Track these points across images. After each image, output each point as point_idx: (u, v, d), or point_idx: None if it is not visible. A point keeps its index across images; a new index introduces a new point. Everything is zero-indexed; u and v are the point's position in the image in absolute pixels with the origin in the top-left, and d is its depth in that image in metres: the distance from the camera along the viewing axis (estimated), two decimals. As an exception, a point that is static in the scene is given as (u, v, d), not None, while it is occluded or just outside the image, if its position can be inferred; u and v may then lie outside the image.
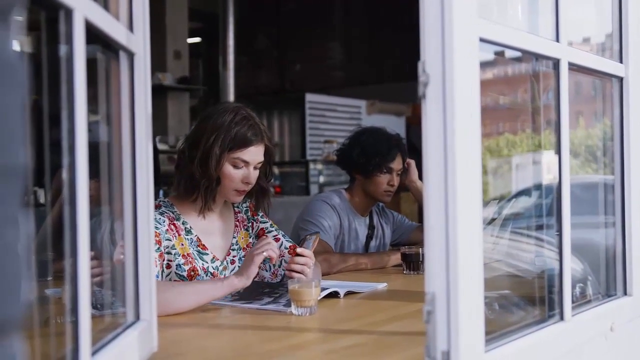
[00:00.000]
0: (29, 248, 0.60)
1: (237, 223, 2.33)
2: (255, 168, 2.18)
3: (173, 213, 2.17)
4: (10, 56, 0.58)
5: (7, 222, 0.56)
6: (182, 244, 2.14)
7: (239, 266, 2.24)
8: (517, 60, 1.68)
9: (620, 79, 1.77)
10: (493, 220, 2.21)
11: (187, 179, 2.16)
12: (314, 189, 7.18)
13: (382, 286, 2.29)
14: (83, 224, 0.99)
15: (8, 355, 0.57)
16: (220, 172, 2.14)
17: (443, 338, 1.14)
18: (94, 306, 1.19)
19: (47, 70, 1.02)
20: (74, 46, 0.98)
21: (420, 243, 2.87)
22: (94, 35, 1.08)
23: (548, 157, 1.81)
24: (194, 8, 8.02)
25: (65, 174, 0.98)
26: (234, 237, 2.30)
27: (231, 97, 8.69)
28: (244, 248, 2.30)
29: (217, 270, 2.20)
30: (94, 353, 1.07)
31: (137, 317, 1.34)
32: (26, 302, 0.59)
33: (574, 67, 1.54)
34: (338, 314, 1.92)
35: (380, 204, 3.13)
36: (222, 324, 1.77)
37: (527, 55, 1.56)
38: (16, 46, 0.60)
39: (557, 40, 1.48)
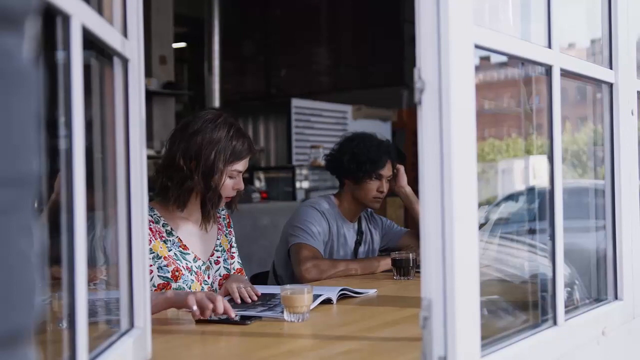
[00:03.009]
0: (40, 257, 0.60)
1: (220, 227, 2.40)
2: (243, 175, 2.28)
3: (152, 216, 2.19)
4: (25, 64, 0.58)
5: (22, 231, 0.56)
6: (162, 247, 2.17)
7: (224, 267, 2.33)
8: (502, 65, 1.69)
9: (610, 85, 1.79)
10: (482, 225, 2.23)
11: (186, 192, 2.19)
12: (300, 194, 7.17)
13: (372, 292, 2.29)
14: (80, 233, 0.99)
15: None
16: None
17: (440, 343, 1.14)
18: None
19: (42, 76, 1.01)
20: (72, 52, 0.97)
21: (409, 248, 2.87)
22: (88, 40, 1.08)
23: (535, 162, 1.83)
24: (179, 13, 8.00)
25: (63, 181, 0.97)
26: (218, 239, 2.36)
27: (217, 103, 8.66)
28: (227, 250, 2.38)
29: (200, 269, 2.25)
30: (89, 361, 1.06)
31: (132, 325, 1.34)
32: (39, 311, 0.59)
33: (565, 73, 1.55)
34: (331, 320, 1.92)
35: (369, 209, 3.13)
36: (216, 331, 1.76)
37: (514, 61, 1.57)
38: (30, 53, 0.59)
39: (549, 46, 1.49)
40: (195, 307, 1.76)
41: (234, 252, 2.44)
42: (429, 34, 1.15)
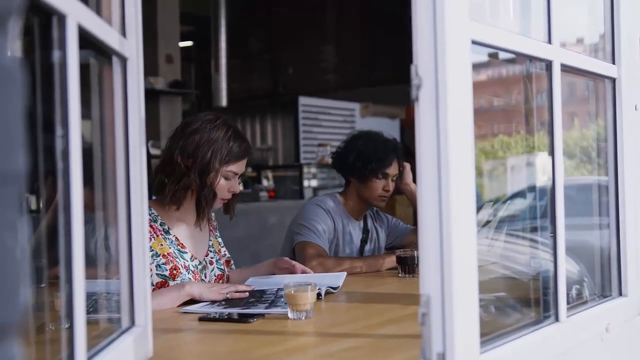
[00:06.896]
0: (27, 253, 0.60)
1: (211, 228, 2.44)
2: (239, 178, 2.31)
3: (150, 215, 2.21)
4: (9, 63, 0.58)
5: (7, 227, 0.57)
6: (162, 245, 2.21)
7: (217, 267, 2.38)
8: (511, 61, 1.69)
9: (613, 80, 1.78)
10: (488, 222, 2.22)
11: (182, 189, 2.22)
12: (308, 192, 7.17)
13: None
14: (77, 230, 0.99)
15: (8, 359, 0.57)
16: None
17: (438, 340, 1.14)
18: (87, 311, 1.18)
19: (39, 75, 1.01)
20: (67, 52, 0.98)
21: (414, 246, 2.87)
22: (86, 40, 1.08)
23: (542, 159, 1.82)
24: (185, 11, 8.00)
25: (59, 180, 0.98)
26: (210, 240, 2.40)
27: (224, 102, 8.67)
28: (217, 252, 2.42)
29: (197, 269, 2.29)
30: (89, 359, 1.07)
31: (132, 323, 1.34)
32: (25, 307, 0.60)
33: (566, 69, 1.54)
34: (334, 318, 1.92)
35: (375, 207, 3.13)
36: (218, 329, 1.76)
37: (520, 57, 1.57)
38: (14, 52, 0.60)
39: (550, 42, 1.49)
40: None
41: (224, 250, 2.48)
42: (425, 30, 1.15)
